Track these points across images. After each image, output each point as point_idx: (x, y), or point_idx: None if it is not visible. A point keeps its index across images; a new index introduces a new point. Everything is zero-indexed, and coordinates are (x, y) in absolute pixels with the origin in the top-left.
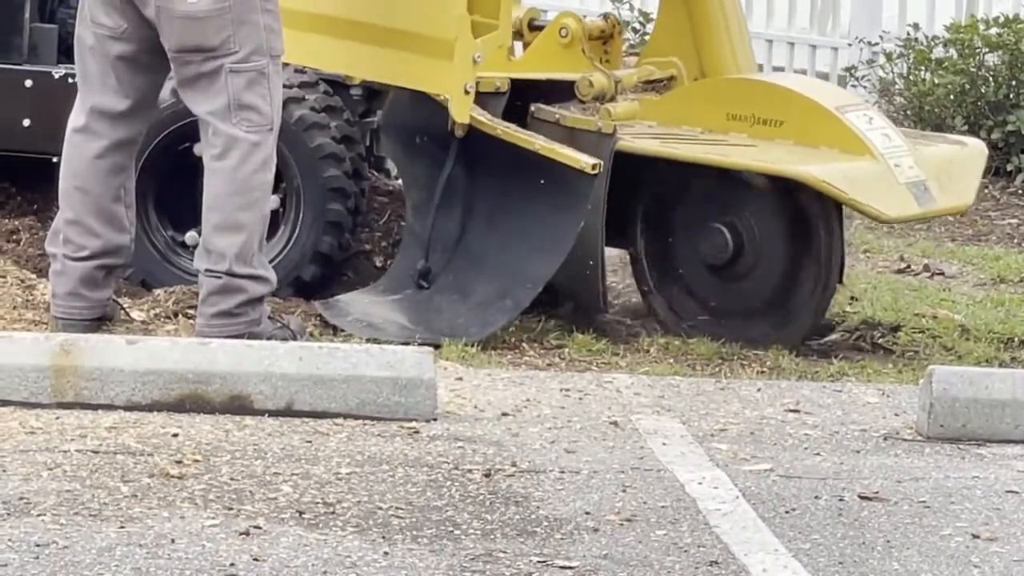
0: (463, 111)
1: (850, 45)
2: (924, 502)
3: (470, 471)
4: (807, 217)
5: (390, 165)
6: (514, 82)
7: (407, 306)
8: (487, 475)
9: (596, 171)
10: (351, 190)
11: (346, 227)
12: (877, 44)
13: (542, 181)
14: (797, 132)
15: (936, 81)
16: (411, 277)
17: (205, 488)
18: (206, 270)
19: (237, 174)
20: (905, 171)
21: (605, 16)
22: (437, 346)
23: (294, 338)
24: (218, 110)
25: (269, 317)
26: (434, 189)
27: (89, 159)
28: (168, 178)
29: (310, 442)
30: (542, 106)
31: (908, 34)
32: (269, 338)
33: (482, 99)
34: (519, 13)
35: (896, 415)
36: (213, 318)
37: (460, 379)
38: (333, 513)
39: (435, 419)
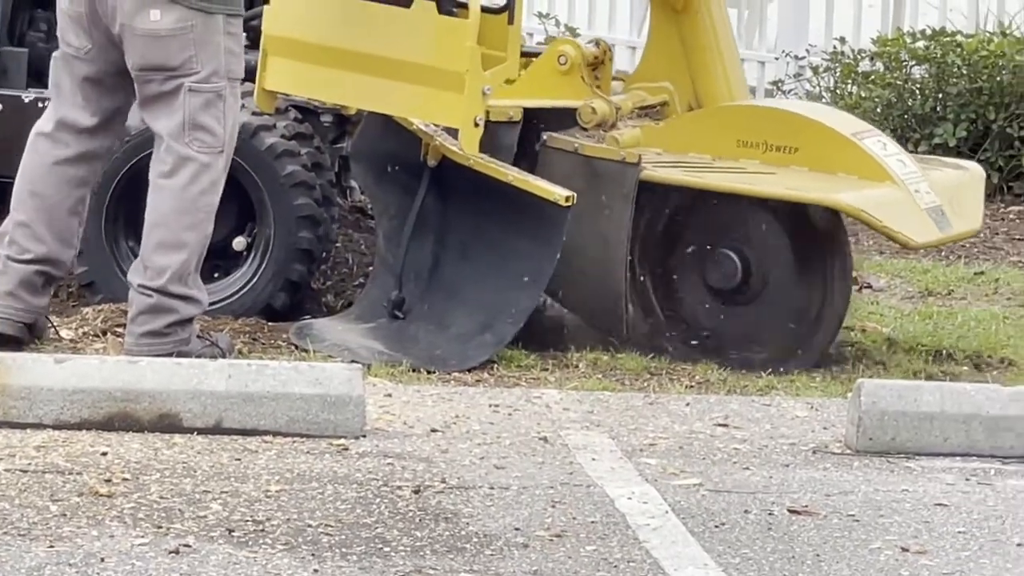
0: (472, 143)
1: (777, 59)
2: (853, 516)
3: (399, 488)
4: (818, 244)
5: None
6: (496, 111)
7: (383, 334)
8: (416, 492)
9: (569, 203)
10: (321, 217)
11: (316, 255)
12: (804, 58)
13: (516, 213)
14: (812, 159)
15: (863, 95)
16: (384, 306)
17: (134, 507)
18: (139, 285)
19: (185, 193)
20: (924, 197)
21: (596, 42)
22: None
23: (223, 355)
24: (173, 128)
25: (198, 336)
26: (406, 218)
27: (49, 164)
28: (140, 204)
29: (239, 460)
30: (555, 135)
31: (835, 47)
32: (198, 356)
33: (494, 129)
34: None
35: (825, 429)
36: (142, 337)
37: (389, 395)
38: (263, 531)
39: (364, 436)
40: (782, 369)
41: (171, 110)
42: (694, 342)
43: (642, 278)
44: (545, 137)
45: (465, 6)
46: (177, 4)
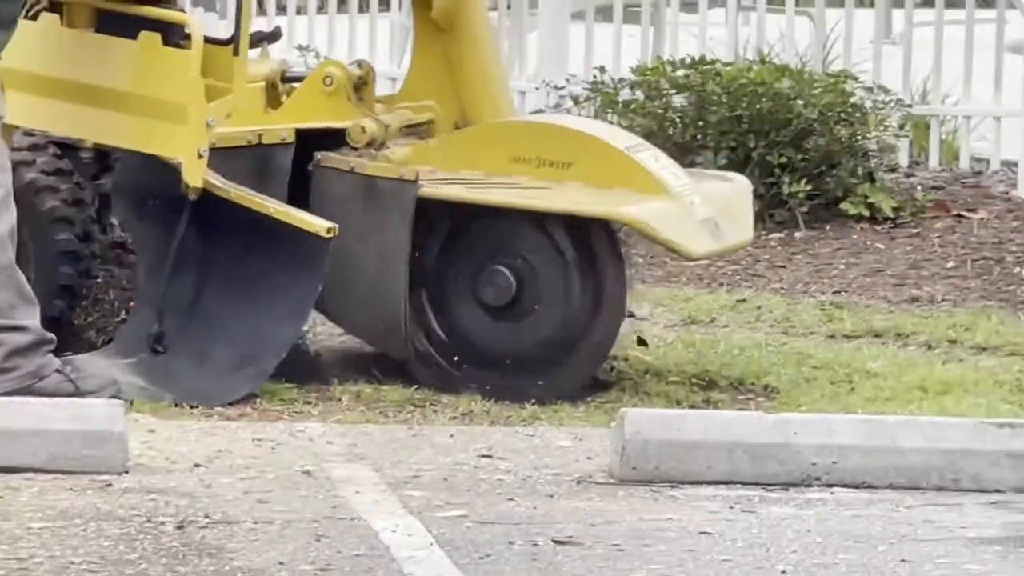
0: (196, 175)
1: (537, 89)
2: (618, 545)
3: (163, 523)
4: (594, 259)
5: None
6: (269, 133)
7: (144, 369)
8: (180, 527)
9: (331, 234)
10: (83, 253)
11: (77, 291)
12: (564, 87)
13: (277, 245)
14: (586, 173)
15: (623, 123)
16: (145, 341)
17: None
18: None
19: None
20: (699, 208)
21: (359, 64)
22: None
23: (79, 393)
24: None
25: (57, 370)
26: (167, 253)
27: None
28: None
29: (1, 497)
30: (329, 154)
31: (595, 77)
32: (53, 393)
33: (268, 152)
34: (271, 67)
35: (589, 458)
36: None
37: (152, 431)
38: (25, 569)
39: (127, 472)
40: (551, 392)
41: None
42: (465, 366)
43: (422, 298)
44: (319, 157)
45: (190, 37)
46: None
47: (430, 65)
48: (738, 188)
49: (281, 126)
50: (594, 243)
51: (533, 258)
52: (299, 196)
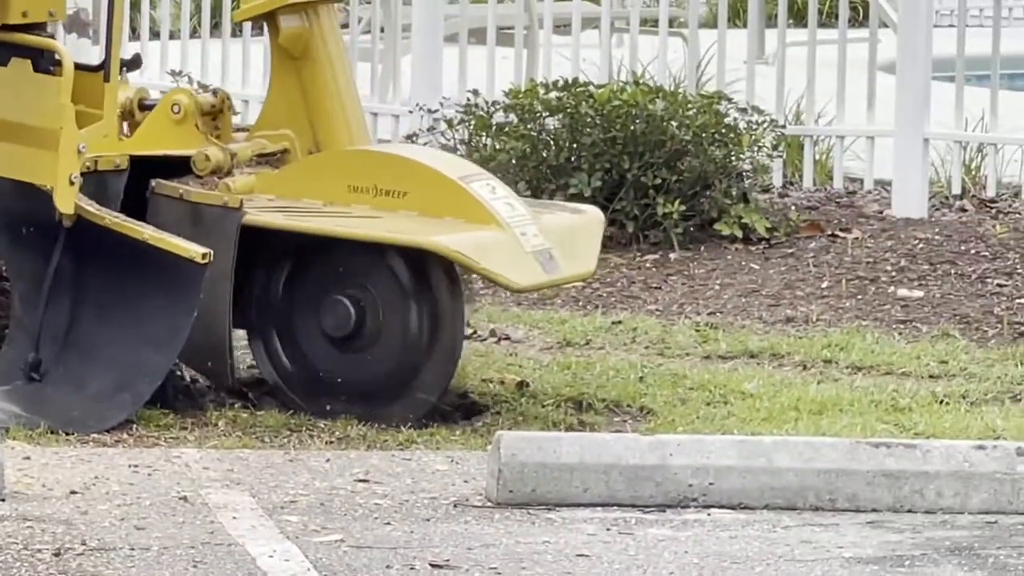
0: (68, 202)
1: (411, 112)
2: (495, 568)
3: (39, 551)
4: (430, 288)
5: None
6: (104, 160)
7: (20, 396)
8: (57, 555)
9: (206, 260)
10: None
11: None
12: (438, 111)
13: (152, 271)
14: (421, 203)
15: (498, 147)
16: (21, 369)
17: None
18: None
19: None
20: (531, 239)
21: (215, 92)
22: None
23: None
24: None
25: None
26: (42, 280)
27: None
28: None
29: None
30: (163, 181)
31: (468, 100)
32: None
33: (102, 178)
34: (128, 94)
35: (466, 482)
36: None
37: (28, 458)
38: None
39: (3, 499)
40: (394, 420)
41: None
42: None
43: (270, 330)
44: (153, 184)
45: (61, 64)
46: None
47: (286, 93)
48: (586, 220)
49: (115, 153)
50: (430, 272)
51: (373, 288)
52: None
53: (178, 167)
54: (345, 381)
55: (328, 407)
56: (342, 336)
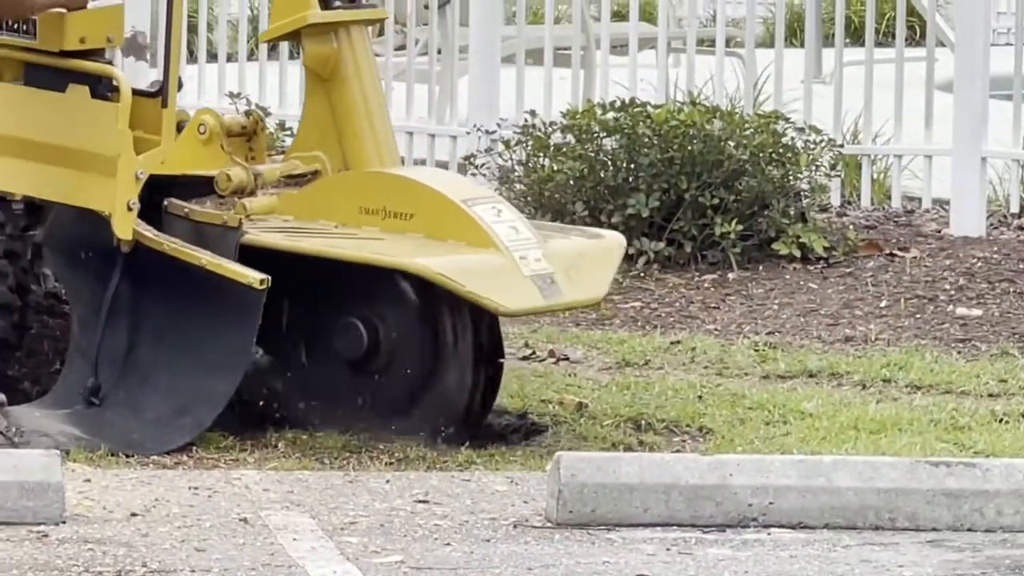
0: (126, 228)
1: (468, 133)
2: None
3: (101, 573)
4: (442, 310)
5: None
6: (157, 179)
7: (78, 420)
8: None
9: (264, 286)
10: (15, 305)
11: (11, 343)
12: (495, 132)
13: (210, 296)
14: (427, 225)
15: (555, 167)
16: (80, 393)
17: None
18: None
19: None
20: (531, 264)
21: (247, 113)
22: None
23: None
24: None
25: (1, 432)
26: (100, 305)
27: None
28: None
29: None
30: (174, 200)
31: (526, 120)
32: None
33: None
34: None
35: (525, 502)
36: None
37: (88, 481)
38: None
39: (64, 522)
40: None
41: None
42: (321, 419)
43: (282, 353)
44: (166, 203)
45: (118, 90)
46: None
47: (317, 114)
48: (601, 245)
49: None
50: (438, 293)
51: (384, 310)
52: None
53: (207, 186)
54: (359, 403)
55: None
56: (355, 359)
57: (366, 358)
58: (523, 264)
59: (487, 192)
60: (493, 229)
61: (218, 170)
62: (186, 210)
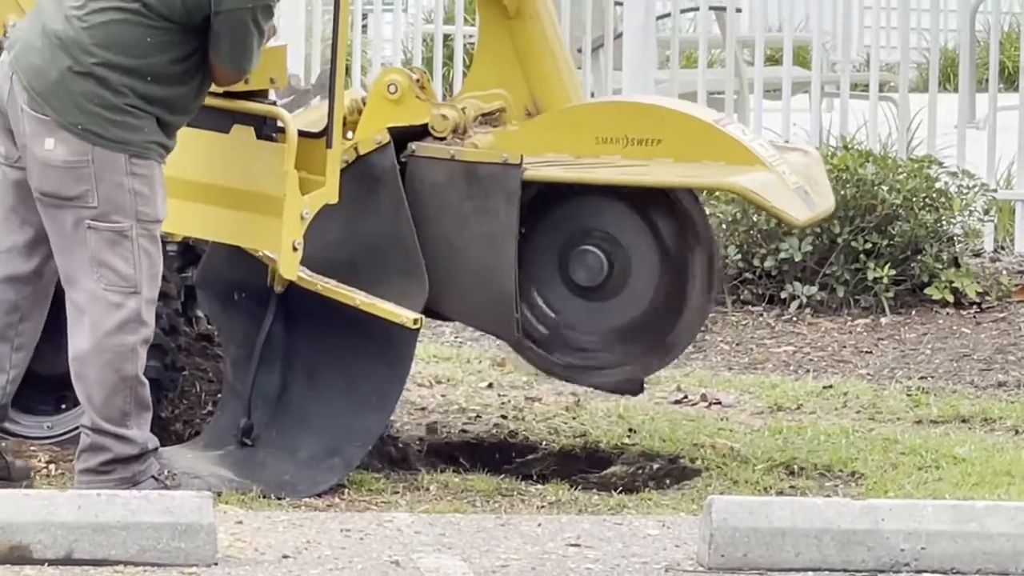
0: (291, 268)
1: None
2: None
3: None
4: (683, 242)
5: None
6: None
7: (231, 461)
8: None
9: (417, 325)
10: (168, 347)
11: (164, 384)
12: None
13: (363, 336)
14: (676, 149)
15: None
16: (233, 434)
17: None
18: (81, 424)
19: (95, 332)
20: (790, 177)
21: (411, 69)
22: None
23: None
24: (79, 263)
25: (154, 476)
26: (253, 345)
27: None
28: None
29: None
30: (424, 144)
31: None
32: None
33: (367, 160)
34: (355, 96)
35: (677, 546)
36: (81, 474)
37: (240, 522)
38: None
39: (216, 564)
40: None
41: (74, 242)
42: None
43: (527, 284)
44: (413, 147)
45: (284, 131)
46: (73, 135)
47: (497, 54)
48: (814, 159)
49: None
50: (683, 225)
51: (623, 238)
52: None
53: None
54: (590, 333)
55: (567, 360)
56: (591, 287)
57: (602, 286)
58: (786, 178)
59: (722, 113)
60: (753, 147)
61: (427, 118)
62: (452, 152)
